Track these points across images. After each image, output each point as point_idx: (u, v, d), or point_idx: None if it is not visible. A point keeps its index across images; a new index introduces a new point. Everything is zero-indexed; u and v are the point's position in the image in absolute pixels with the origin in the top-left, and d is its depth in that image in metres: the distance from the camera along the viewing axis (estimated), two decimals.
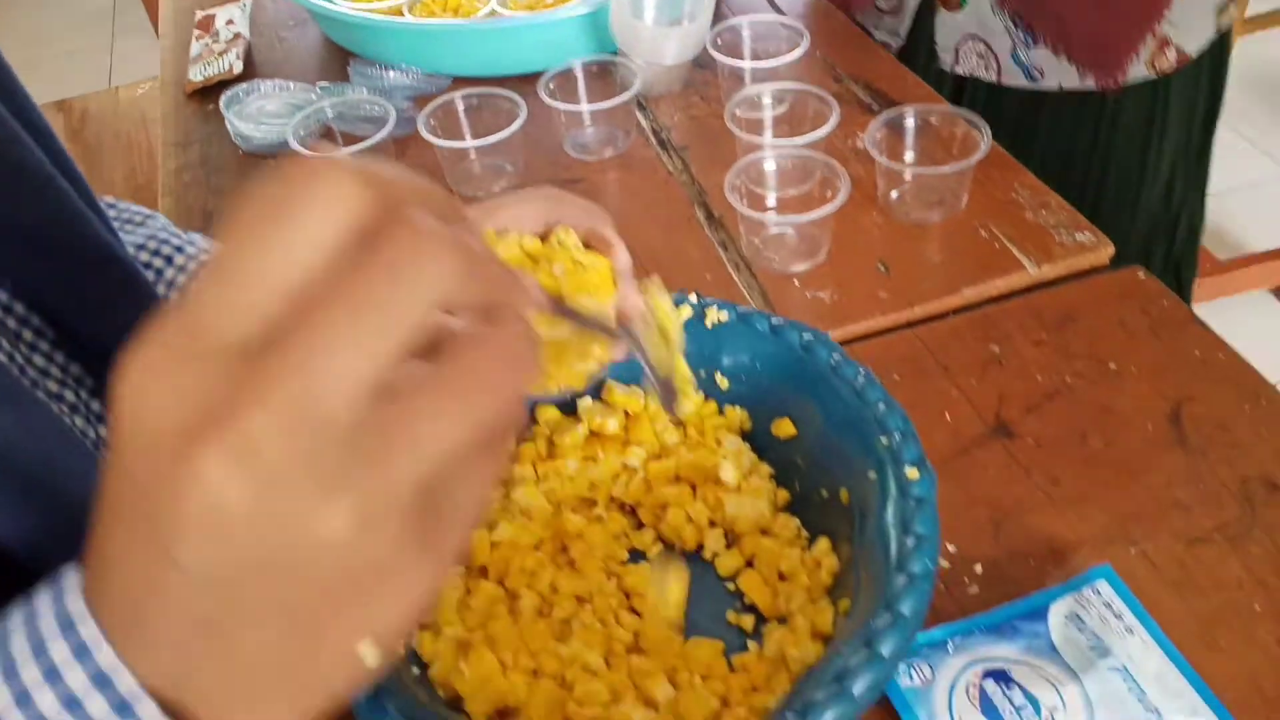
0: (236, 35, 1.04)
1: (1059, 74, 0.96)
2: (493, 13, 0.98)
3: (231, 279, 0.21)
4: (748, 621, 0.54)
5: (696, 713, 0.48)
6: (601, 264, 0.47)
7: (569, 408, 0.61)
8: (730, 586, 0.56)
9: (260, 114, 0.93)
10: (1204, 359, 0.67)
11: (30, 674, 0.24)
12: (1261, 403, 0.64)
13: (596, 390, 0.61)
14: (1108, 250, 0.75)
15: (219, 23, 1.06)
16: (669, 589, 0.53)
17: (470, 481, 0.24)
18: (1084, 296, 0.73)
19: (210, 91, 1.00)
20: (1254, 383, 0.65)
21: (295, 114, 0.90)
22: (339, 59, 1.03)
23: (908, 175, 0.78)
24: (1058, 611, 0.53)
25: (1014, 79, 0.97)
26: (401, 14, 0.98)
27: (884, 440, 0.51)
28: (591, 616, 0.53)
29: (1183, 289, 1.15)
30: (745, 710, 0.48)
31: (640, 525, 0.59)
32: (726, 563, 0.56)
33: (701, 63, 0.96)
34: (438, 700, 0.47)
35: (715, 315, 0.59)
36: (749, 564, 0.56)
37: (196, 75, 1.00)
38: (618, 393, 0.60)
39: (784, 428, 0.58)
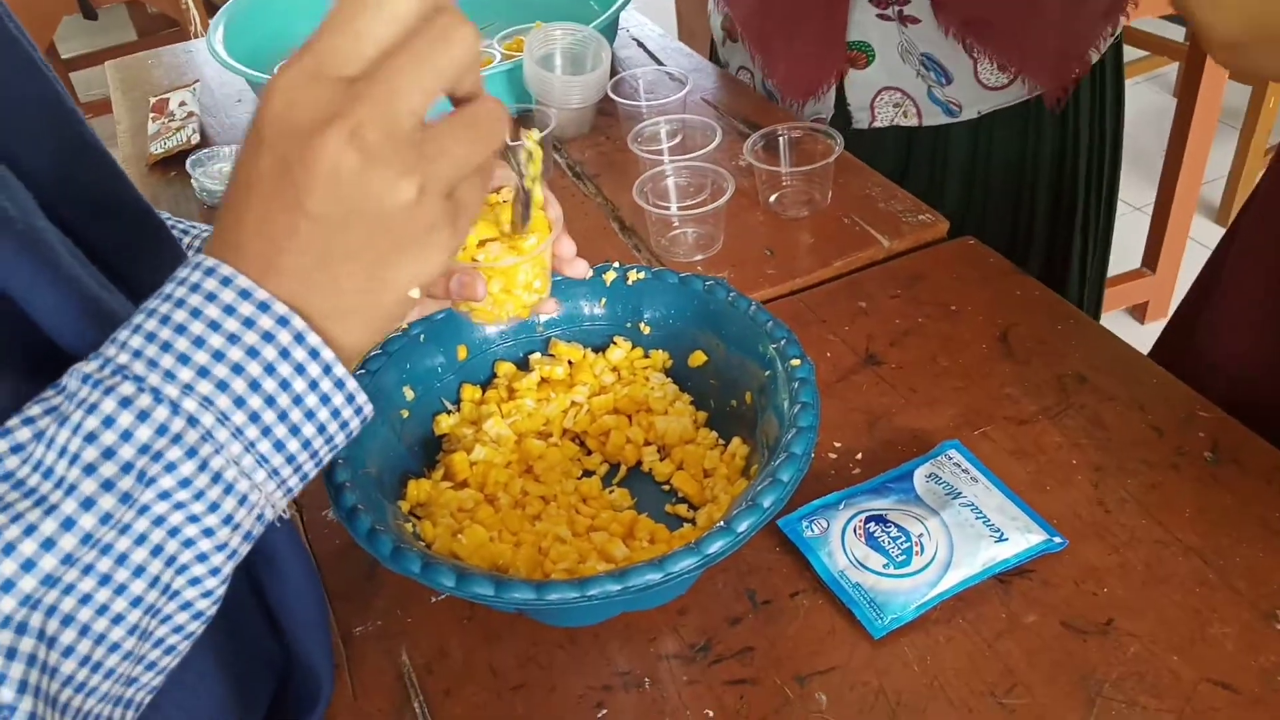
0: (190, 113, 1.17)
1: (977, 102, 1.05)
2: None
3: (347, 34, 0.35)
4: (682, 509, 0.67)
5: None
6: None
7: (522, 364, 0.74)
8: (665, 488, 0.69)
9: (221, 174, 1.05)
10: (1024, 296, 0.84)
11: (192, 305, 0.37)
12: (1070, 322, 0.81)
13: (544, 346, 0.75)
14: (944, 225, 0.93)
15: (173, 104, 1.19)
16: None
17: (474, 187, 0.40)
18: (928, 261, 0.90)
19: (170, 162, 1.12)
20: (1064, 309, 0.82)
21: None
22: None
23: (783, 179, 0.95)
24: (920, 474, 0.68)
25: (934, 118, 1.06)
26: None
27: (773, 346, 0.66)
28: (556, 509, 0.66)
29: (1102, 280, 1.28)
30: None
31: (589, 451, 0.72)
32: (661, 470, 0.70)
33: (604, 109, 1.12)
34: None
35: (634, 276, 0.73)
36: (679, 469, 0.70)
37: (157, 149, 1.13)
38: (561, 346, 0.74)
39: (697, 358, 0.72)
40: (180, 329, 0.37)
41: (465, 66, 0.37)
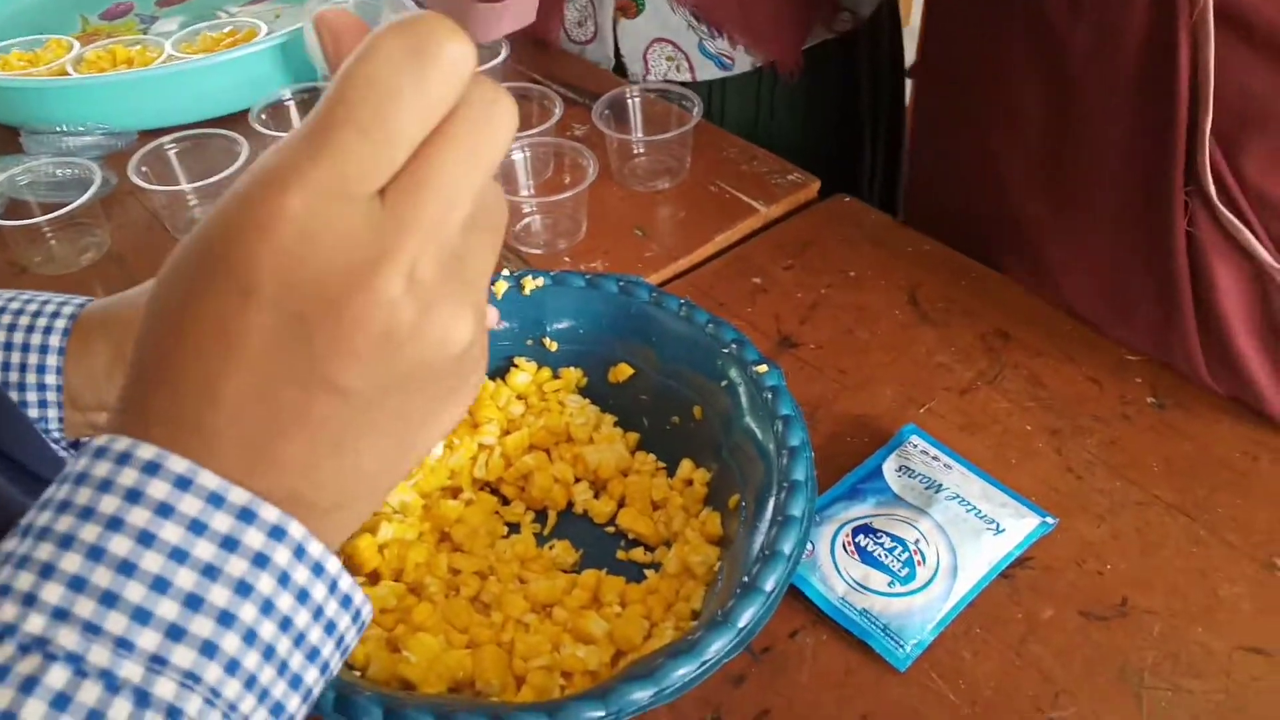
0: None
1: (750, 55, 0.98)
2: (169, 59, 0.93)
3: (376, 133, 0.24)
4: (637, 554, 0.57)
5: (634, 634, 0.50)
6: None
7: None
8: (610, 530, 0.59)
9: None
10: (916, 253, 0.79)
11: (141, 516, 0.24)
12: (972, 276, 0.77)
13: None
14: (815, 185, 0.86)
15: None
16: None
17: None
18: (810, 224, 0.83)
19: None
20: (960, 263, 0.78)
21: None
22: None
23: (638, 147, 0.85)
24: (889, 468, 0.61)
25: (707, 72, 1.00)
26: (66, 73, 0.90)
27: (726, 352, 0.57)
28: (498, 585, 0.53)
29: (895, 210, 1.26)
30: (673, 619, 0.51)
31: (505, 501, 0.60)
32: (600, 509, 0.59)
33: None
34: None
35: (531, 283, 0.61)
36: (621, 505, 0.59)
37: None
38: None
39: (620, 372, 0.62)
40: (126, 567, 0.23)
41: (506, 150, 0.27)
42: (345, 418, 0.25)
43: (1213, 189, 0.59)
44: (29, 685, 0.22)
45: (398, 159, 0.25)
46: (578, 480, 0.60)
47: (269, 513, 0.25)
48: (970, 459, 0.62)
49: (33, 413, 0.47)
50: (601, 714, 0.42)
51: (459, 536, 0.56)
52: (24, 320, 0.47)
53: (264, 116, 0.84)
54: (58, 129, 0.87)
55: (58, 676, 0.23)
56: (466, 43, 0.25)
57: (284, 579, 0.25)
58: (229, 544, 0.24)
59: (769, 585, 0.45)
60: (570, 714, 0.41)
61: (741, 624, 0.44)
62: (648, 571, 0.56)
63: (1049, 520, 0.58)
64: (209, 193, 0.79)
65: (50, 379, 0.47)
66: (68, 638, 0.23)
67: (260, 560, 0.25)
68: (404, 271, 0.24)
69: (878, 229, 0.82)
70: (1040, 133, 0.68)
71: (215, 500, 0.24)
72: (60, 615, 0.23)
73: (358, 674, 0.47)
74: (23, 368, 0.47)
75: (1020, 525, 0.57)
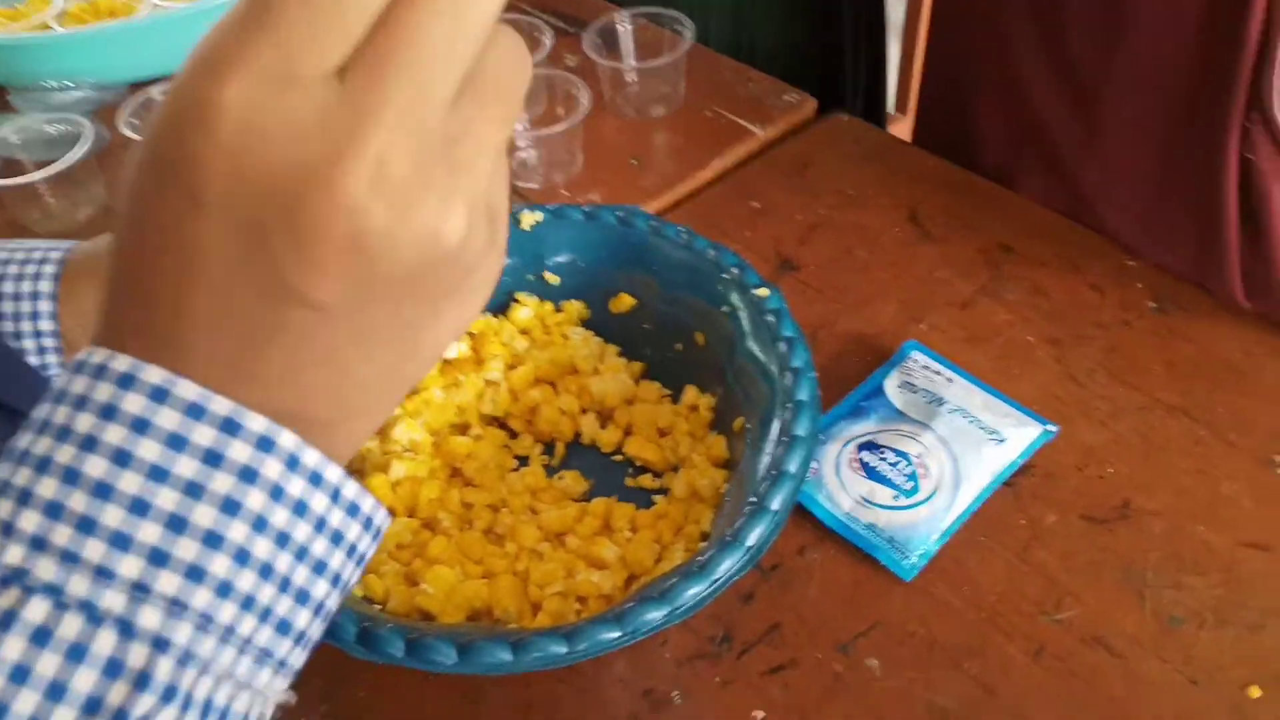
0: None
1: None
2: (155, 8, 0.92)
3: (322, 6, 0.21)
4: (645, 480, 0.58)
5: (645, 557, 0.51)
6: None
7: None
8: (617, 458, 0.60)
9: None
10: (918, 169, 0.79)
11: (117, 434, 0.22)
12: (974, 191, 0.76)
13: None
14: (812, 105, 0.86)
15: None
16: None
17: (501, 180, 0.26)
18: (807, 145, 0.82)
19: None
20: (962, 178, 0.78)
21: None
22: None
23: (630, 75, 0.84)
24: (890, 384, 0.62)
25: None
26: (50, 28, 0.89)
27: (726, 277, 0.57)
28: (510, 517, 0.54)
29: (880, 122, 1.26)
30: (683, 542, 0.52)
31: (513, 434, 0.61)
32: (608, 438, 0.60)
33: None
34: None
35: (530, 218, 0.61)
36: (628, 434, 0.60)
37: None
38: None
39: (622, 303, 0.62)
40: (103, 489, 0.22)
41: (498, 9, 0.23)
42: (328, 330, 0.23)
43: (1279, 115, 0.58)
44: (7, 620, 0.21)
45: (354, 30, 0.21)
46: (584, 411, 0.61)
47: (255, 422, 0.23)
48: (972, 371, 0.62)
49: (33, 360, 0.48)
50: (618, 634, 0.43)
51: (469, 471, 0.57)
52: (12, 269, 0.48)
53: None
54: (46, 85, 0.86)
55: (37, 610, 0.21)
56: None
57: (276, 492, 0.23)
58: (211, 459, 0.23)
59: (776, 504, 0.46)
60: (588, 636, 0.42)
61: (750, 543, 0.45)
62: (656, 497, 0.57)
63: (1050, 428, 0.59)
64: None
65: (45, 325, 0.48)
66: (46, 568, 0.22)
67: (247, 475, 0.23)
68: (368, 168, 0.21)
69: (877, 147, 0.81)
70: (1079, 53, 0.67)
71: (195, 412, 0.22)
72: (38, 544, 0.22)
73: (378, 607, 0.48)
74: (17, 316, 0.47)
75: (1022, 434, 0.58)
